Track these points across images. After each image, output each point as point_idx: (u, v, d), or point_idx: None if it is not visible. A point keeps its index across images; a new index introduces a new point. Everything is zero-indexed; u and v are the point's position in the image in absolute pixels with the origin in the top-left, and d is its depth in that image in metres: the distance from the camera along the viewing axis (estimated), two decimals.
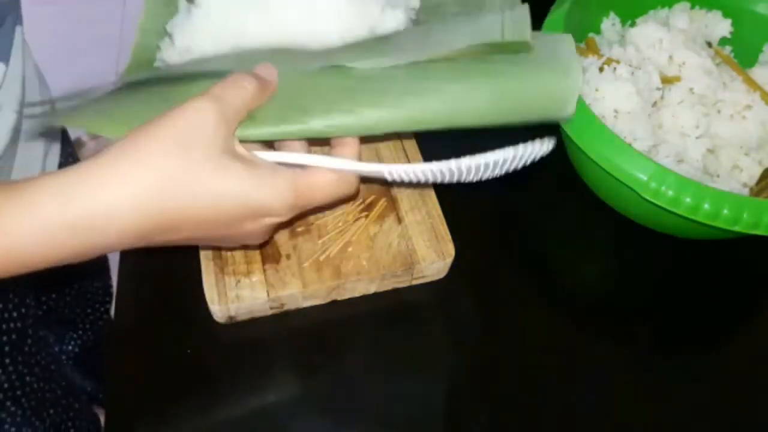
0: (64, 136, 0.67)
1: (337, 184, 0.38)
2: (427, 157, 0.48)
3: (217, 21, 0.47)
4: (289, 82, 0.41)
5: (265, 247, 0.50)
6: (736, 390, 0.49)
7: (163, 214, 0.33)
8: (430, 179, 0.41)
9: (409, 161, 0.55)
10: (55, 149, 0.63)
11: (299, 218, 0.50)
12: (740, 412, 0.48)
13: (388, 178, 0.41)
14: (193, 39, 0.47)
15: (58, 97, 0.42)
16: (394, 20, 0.47)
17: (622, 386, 0.49)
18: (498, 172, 0.42)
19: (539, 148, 0.40)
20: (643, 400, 0.48)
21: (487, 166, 0.40)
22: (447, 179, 0.41)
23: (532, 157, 0.42)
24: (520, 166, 0.43)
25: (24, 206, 0.31)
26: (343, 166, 0.39)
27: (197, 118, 0.34)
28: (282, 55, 0.45)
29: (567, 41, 0.44)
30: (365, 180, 0.48)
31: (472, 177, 0.42)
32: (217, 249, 0.49)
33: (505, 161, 0.40)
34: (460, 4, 0.54)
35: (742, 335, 0.53)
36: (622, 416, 0.47)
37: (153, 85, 0.44)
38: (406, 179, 0.41)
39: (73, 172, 0.32)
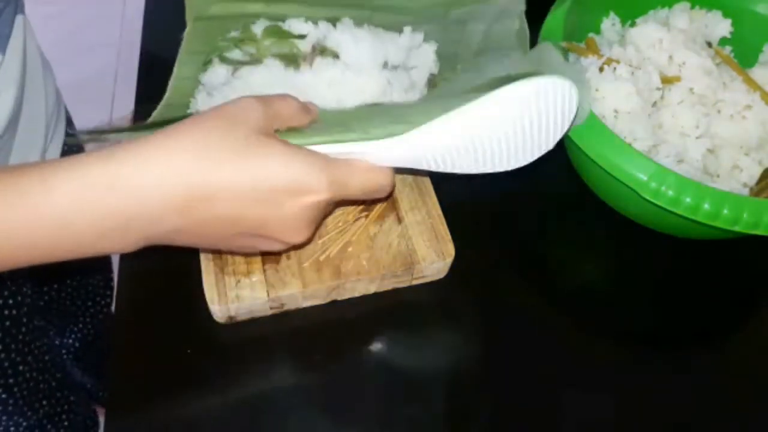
0: (68, 122, 0.67)
1: (372, 172, 0.40)
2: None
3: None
4: (328, 112, 0.44)
5: (306, 246, 0.49)
6: (737, 390, 0.49)
7: (205, 181, 0.34)
8: (459, 139, 0.41)
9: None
10: (58, 140, 0.63)
11: (338, 206, 0.50)
12: (740, 411, 0.48)
13: (423, 158, 0.42)
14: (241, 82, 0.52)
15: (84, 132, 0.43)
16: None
17: (622, 386, 0.49)
18: (528, 133, 0.42)
19: (562, 86, 0.40)
20: (643, 400, 0.48)
21: (511, 106, 0.40)
22: (478, 141, 0.42)
23: (561, 108, 0.42)
24: (552, 133, 0.43)
25: (71, 168, 0.32)
26: (375, 148, 0.40)
27: (244, 107, 0.36)
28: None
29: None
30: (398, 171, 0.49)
31: (499, 138, 0.42)
32: (255, 251, 0.47)
33: (528, 99, 0.40)
34: (476, 54, 0.58)
35: (742, 335, 0.53)
36: (622, 416, 0.47)
37: None
38: (439, 159, 0.42)
39: (124, 143, 0.34)
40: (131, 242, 0.35)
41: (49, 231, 0.32)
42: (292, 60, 0.53)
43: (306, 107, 0.40)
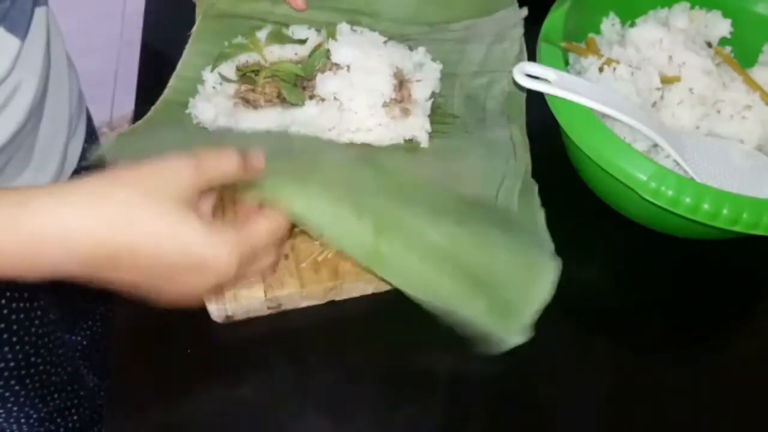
0: (88, 120, 0.68)
1: (272, 229, 0.39)
2: None
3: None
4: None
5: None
6: (736, 390, 0.49)
7: (113, 242, 0.34)
8: None
9: None
10: (79, 137, 0.64)
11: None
12: (740, 411, 0.48)
13: None
14: (237, 124, 0.53)
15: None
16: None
17: (622, 386, 0.48)
18: None
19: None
20: (643, 400, 0.48)
21: None
22: None
23: None
24: None
25: None
26: None
27: (172, 172, 0.36)
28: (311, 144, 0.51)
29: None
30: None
31: None
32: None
33: None
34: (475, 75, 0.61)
35: (742, 335, 0.53)
36: (623, 416, 0.47)
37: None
38: None
39: (41, 186, 0.35)
40: (41, 275, 0.35)
41: None
42: (292, 93, 0.54)
43: (248, 165, 0.39)
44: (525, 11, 0.64)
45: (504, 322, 0.45)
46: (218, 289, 0.40)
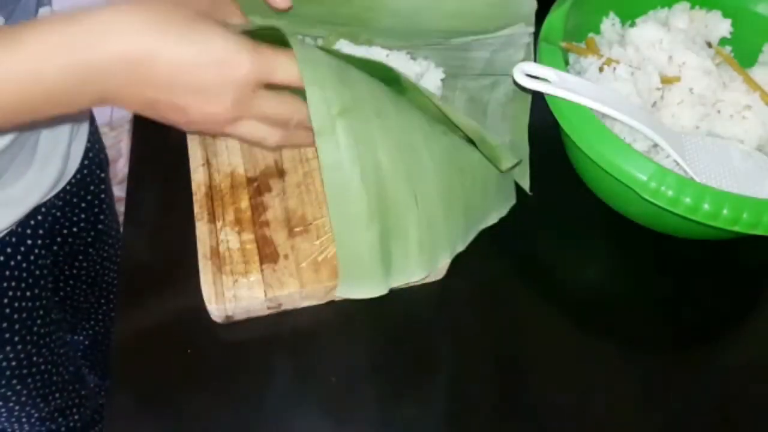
0: (91, 120, 0.68)
1: (287, 72, 0.42)
2: None
3: None
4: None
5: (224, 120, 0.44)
6: (736, 390, 0.49)
7: (150, 47, 0.37)
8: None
9: None
10: (83, 131, 0.64)
11: (258, 99, 0.43)
12: (740, 412, 0.48)
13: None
14: None
15: None
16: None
17: (622, 386, 0.48)
18: None
19: None
20: (643, 400, 0.48)
21: None
22: None
23: None
24: None
25: (39, 25, 0.36)
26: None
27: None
28: None
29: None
30: None
31: None
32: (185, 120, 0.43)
33: None
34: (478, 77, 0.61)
35: (742, 335, 0.53)
36: (623, 416, 0.47)
37: None
38: None
39: (82, 10, 0.37)
40: (88, 96, 0.38)
41: (19, 85, 0.35)
42: None
43: None
44: (532, 28, 0.63)
45: (379, 267, 0.46)
46: (242, 96, 0.41)
